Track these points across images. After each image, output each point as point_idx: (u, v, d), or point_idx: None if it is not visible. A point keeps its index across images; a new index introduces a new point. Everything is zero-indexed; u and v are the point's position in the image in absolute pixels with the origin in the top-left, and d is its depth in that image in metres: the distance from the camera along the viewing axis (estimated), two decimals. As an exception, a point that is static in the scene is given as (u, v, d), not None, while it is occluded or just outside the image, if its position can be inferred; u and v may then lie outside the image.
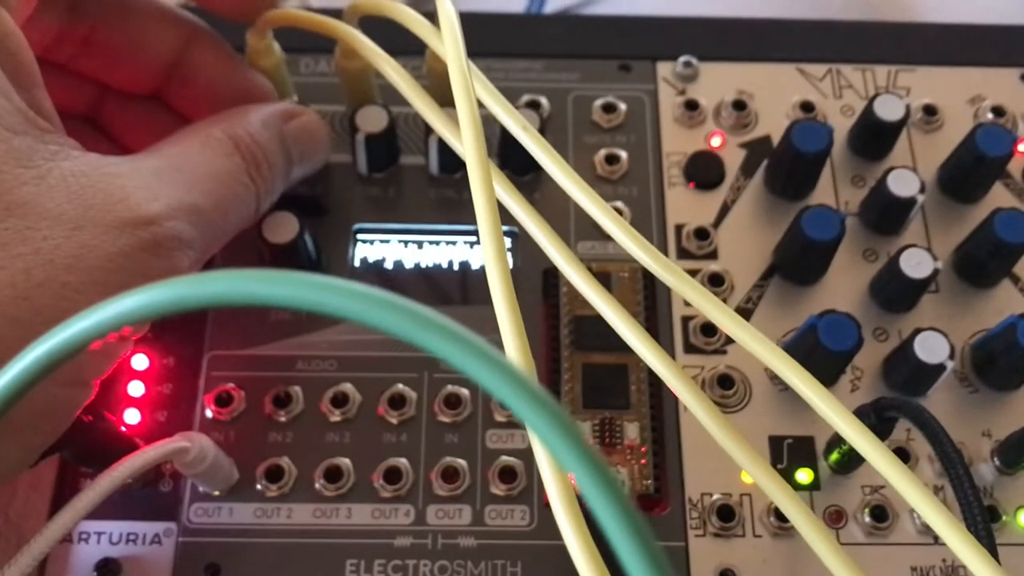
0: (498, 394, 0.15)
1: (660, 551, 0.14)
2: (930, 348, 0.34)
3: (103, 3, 0.34)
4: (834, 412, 0.27)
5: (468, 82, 0.27)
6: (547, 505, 0.35)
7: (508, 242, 0.39)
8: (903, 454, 0.35)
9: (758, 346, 0.28)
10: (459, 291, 0.39)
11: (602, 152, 0.41)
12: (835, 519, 0.35)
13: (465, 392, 0.36)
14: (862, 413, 0.32)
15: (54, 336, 0.16)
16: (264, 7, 0.35)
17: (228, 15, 0.35)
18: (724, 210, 0.40)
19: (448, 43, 0.28)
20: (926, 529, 0.34)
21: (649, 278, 0.38)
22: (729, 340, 0.37)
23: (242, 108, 0.34)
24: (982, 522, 0.28)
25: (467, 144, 0.26)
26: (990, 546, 0.27)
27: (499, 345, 0.24)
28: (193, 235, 0.29)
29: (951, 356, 0.34)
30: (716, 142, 0.42)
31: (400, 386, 0.36)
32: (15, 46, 0.27)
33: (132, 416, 0.35)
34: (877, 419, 0.31)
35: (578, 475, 0.14)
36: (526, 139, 0.30)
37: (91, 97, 0.36)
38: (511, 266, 0.39)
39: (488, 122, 0.31)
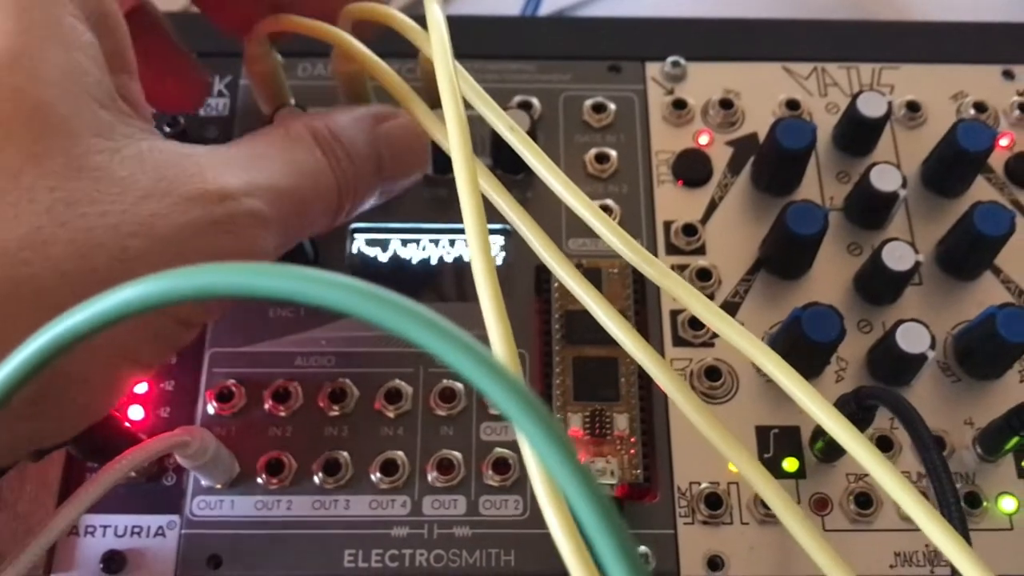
0: (477, 383, 0.15)
1: (631, 541, 0.15)
2: (912, 339, 0.35)
3: None
4: (812, 402, 0.28)
5: (455, 83, 0.28)
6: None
7: (501, 239, 0.40)
8: (886, 442, 0.36)
9: (740, 339, 0.29)
10: (455, 288, 0.40)
11: (592, 151, 0.42)
12: (820, 506, 0.36)
13: (459, 386, 0.37)
14: (843, 402, 0.33)
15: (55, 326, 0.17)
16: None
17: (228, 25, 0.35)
18: (712, 206, 0.41)
19: (435, 45, 0.29)
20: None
21: (638, 274, 0.39)
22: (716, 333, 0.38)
23: (332, 108, 0.34)
24: (955, 507, 0.29)
25: (453, 143, 0.27)
26: (963, 530, 0.28)
27: (486, 340, 0.24)
28: (271, 215, 0.29)
29: (932, 346, 0.35)
30: (704, 140, 0.43)
31: (396, 381, 0.37)
32: (115, 27, 0.28)
33: (136, 412, 0.36)
34: (858, 408, 0.32)
35: (550, 465, 0.15)
36: (513, 139, 0.31)
37: None
38: (504, 262, 0.40)
39: (481, 122, 0.32)
